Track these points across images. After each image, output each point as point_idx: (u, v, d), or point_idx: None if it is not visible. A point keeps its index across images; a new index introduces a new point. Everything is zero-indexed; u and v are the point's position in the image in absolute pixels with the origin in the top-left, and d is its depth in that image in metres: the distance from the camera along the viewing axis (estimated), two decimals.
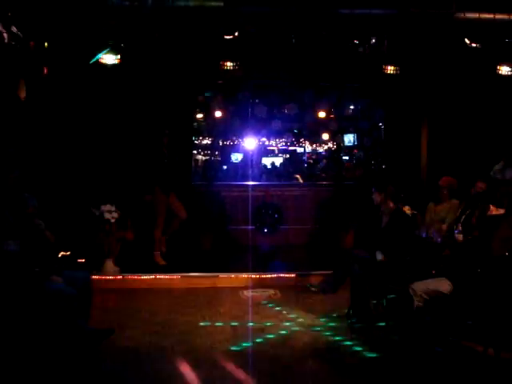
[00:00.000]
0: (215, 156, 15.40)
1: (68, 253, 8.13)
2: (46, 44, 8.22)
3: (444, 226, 7.03)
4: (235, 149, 15.29)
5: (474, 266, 5.37)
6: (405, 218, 6.97)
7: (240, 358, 5.73)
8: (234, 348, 5.96)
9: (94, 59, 8.63)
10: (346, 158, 15.16)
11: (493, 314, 5.17)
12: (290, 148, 16.27)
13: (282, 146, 15.99)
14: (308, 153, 16.40)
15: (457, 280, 5.45)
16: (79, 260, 8.73)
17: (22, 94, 8.48)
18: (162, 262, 9.18)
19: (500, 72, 8.89)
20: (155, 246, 9.26)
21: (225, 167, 14.85)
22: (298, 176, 13.50)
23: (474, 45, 8.30)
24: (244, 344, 6.07)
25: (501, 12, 7.82)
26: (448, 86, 10.30)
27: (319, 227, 10.79)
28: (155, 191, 9.17)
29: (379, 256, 6.67)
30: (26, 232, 5.55)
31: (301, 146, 16.20)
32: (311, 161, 15.69)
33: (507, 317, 5.11)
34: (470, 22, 7.88)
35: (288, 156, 16.01)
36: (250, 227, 10.17)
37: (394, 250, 6.68)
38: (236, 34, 8.31)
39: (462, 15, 7.77)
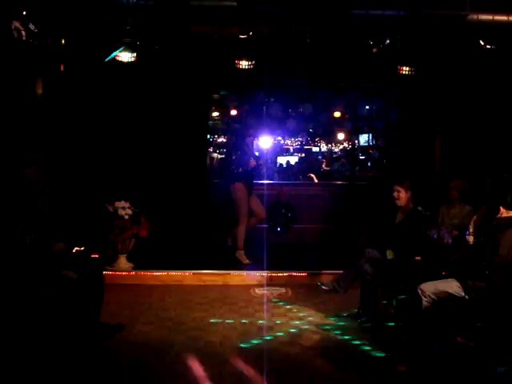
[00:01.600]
0: (231, 154, 15.42)
1: (82, 248, 8.23)
2: (62, 41, 8.32)
3: (455, 232, 6.99)
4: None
5: (482, 269, 5.37)
6: (421, 218, 6.97)
7: (250, 355, 5.76)
8: (243, 345, 6.00)
9: (110, 57, 8.72)
10: (362, 157, 15.17)
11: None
12: (306, 147, 16.29)
13: (298, 145, 16.01)
14: (323, 152, 16.41)
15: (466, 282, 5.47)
16: (93, 255, 8.84)
17: (39, 91, 8.60)
18: (246, 261, 9.22)
19: None
20: (238, 245, 9.33)
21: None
22: (312, 175, 13.51)
23: (488, 46, 8.28)
24: (254, 341, 6.11)
25: None
26: (463, 87, 10.28)
27: (333, 227, 10.80)
28: (237, 188, 9.25)
29: (389, 255, 6.68)
30: (39, 227, 5.65)
31: (316, 146, 16.21)
32: (324, 161, 15.67)
33: None
34: (484, 24, 7.86)
35: (303, 155, 16.02)
36: (263, 225, 10.20)
37: (406, 248, 6.69)
38: (250, 33, 8.36)
39: (476, 17, 7.75)
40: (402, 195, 6.94)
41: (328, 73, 10.61)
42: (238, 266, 8.99)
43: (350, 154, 14.99)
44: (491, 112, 10.20)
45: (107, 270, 8.18)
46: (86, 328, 5.57)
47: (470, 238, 6.65)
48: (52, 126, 8.88)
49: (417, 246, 6.68)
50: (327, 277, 8.06)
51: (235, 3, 7.76)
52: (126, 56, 8.82)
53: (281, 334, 6.38)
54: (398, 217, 7.01)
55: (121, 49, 8.66)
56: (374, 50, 8.50)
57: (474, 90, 10.19)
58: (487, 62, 8.95)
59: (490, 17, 7.76)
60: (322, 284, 7.27)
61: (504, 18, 7.73)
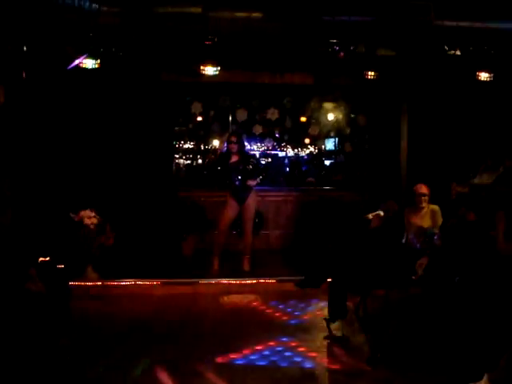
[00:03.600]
0: (197, 160, 15.34)
1: (47, 258, 8.07)
2: (24, 48, 8.16)
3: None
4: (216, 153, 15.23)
5: (451, 273, 5.41)
6: (396, 227, 7.04)
7: (221, 366, 5.71)
8: (214, 356, 5.93)
9: (73, 64, 8.59)
10: (328, 162, 15.17)
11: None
12: (272, 152, 16.25)
13: (264, 150, 15.96)
14: (290, 157, 16.38)
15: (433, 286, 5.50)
16: (58, 266, 8.66)
17: (1, 99, 8.42)
18: (215, 268, 9.14)
19: (479, 78, 8.97)
20: (214, 251, 9.23)
21: (205, 172, 14.77)
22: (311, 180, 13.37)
23: (452, 52, 8.39)
24: (224, 352, 6.04)
25: (479, 20, 7.90)
26: (428, 92, 10.39)
27: (300, 232, 10.79)
28: (227, 196, 9.16)
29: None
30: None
31: (282, 151, 16.19)
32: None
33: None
34: (449, 30, 7.96)
35: (270, 160, 15.98)
36: (232, 232, 10.15)
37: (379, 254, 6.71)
38: (216, 39, 8.32)
39: (441, 23, 7.84)
40: (389, 206, 7.05)
41: (294, 77, 10.64)
42: (207, 274, 8.91)
43: (316, 158, 15.05)
44: (457, 115, 10.33)
45: (73, 281, 8.06)
46: (52, 343, 5.42)
47: (438, 242, 6.73)
48: (14, 135, 8.69)
49: (390, 251, 6.71)
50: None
51: (200, 9, 7.70)
52: (89, 62, 8.70)
53: (251, 342, 6.31)
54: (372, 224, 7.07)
55: (84, 56, 8.54)
56: (341, 54, 8.51)
57: (440, 95, 10.31)
58: (452, 67, 9.07)
59: (454, 23, 7.86)
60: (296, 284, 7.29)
61: (468, 24, 7.83)
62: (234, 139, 9.15)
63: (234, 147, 9.11)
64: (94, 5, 7.57)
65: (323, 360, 5.91)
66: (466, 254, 5.39)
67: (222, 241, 9.21)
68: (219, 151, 9.32)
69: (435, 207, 7.68)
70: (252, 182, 9.03)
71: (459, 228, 5.87)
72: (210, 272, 9.00)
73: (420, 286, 5.74)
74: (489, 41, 8.26)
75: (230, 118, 12.71)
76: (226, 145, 9.26)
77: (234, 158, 9.12)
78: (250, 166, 9.07)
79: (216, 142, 14.48)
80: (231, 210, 9.13)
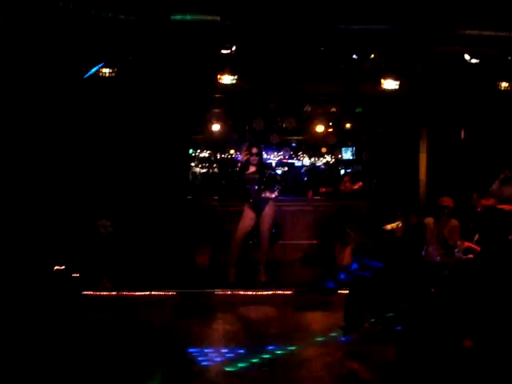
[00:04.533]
0: (213, 169, 15.31)
1: (62, 267, 8.05)
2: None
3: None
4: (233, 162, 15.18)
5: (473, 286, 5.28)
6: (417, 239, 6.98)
7: (236, 379, 5.60)
8: (229, 368, 5.83)
9: (90, 73, 8.58)
10: (343, 171, 15.08)
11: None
12: (289, 161, 16.19)
13: (280, 159, 15.90)
14: (307, 166, 16.31)
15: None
16: (74, 275, 8.63)
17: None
18: (232, 278, 9.05)
19: (500, 88, 8.84)
20: (230, 261, 9.15)
21: (223, 181, 14.74)
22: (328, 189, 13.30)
23: (474, 61, 8.27)
24: (240, 364, 5.93)
25: (502, 29, 7.77)
26: (448, 102, 10.26)
27: (317, 243, 10.68)
28: (244, 206, 9.10)
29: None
30: (16, 251, 5.47)
31: (299, 160, 16.12)
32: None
33: None
34: (471, 39, 7.84)
35: (286, 169, 15.91)
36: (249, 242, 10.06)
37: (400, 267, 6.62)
38: (233, 48, 8.28)
39: (463, 32, 7.73)
40: (410, 218, 7.01)
41: (312, 87, 10.56)
42: (223, 284, 8.82)
43: (333, 167, 14.96)
44: (478, 126, 10.20)
45: (88, 291, 8.03)
46: (66, 354, 5.37)
47: (460, 255, 6.62)
48: (30, 144, 8.69)
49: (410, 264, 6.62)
50: (313, 295, 8.01)
51: (218, 18, 7.65)
52: (106, 70, 8.69)
53: (267, 355, 6.20)
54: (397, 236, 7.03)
55: (100, 64, 8.52)
56: (366, 64, 8.44)
57: (460, 104, 10.19)
58: (474, 76, 8.94)
59: (477, 32, 7.74)
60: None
61: (491, 33, 7.71)
62: (255, 151, 9.08)
63: (256, 159, 9.05)
64: (110, 14, 7.55)
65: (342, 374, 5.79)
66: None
67: (238, 251, 9.12)
68: (240, 162, 9.20)
69: (455, 222, 7.58)
70: (270, 195, 8.95)
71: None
72: (226, 282, 8.92)
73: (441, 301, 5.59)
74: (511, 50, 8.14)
75: (247, 127, 12.65)
76: (244, 155, 9.19)
77: (252, 169, 9.05)
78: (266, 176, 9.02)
79: (233, 151, 14.47)
80: (248, 220, 9.05)
